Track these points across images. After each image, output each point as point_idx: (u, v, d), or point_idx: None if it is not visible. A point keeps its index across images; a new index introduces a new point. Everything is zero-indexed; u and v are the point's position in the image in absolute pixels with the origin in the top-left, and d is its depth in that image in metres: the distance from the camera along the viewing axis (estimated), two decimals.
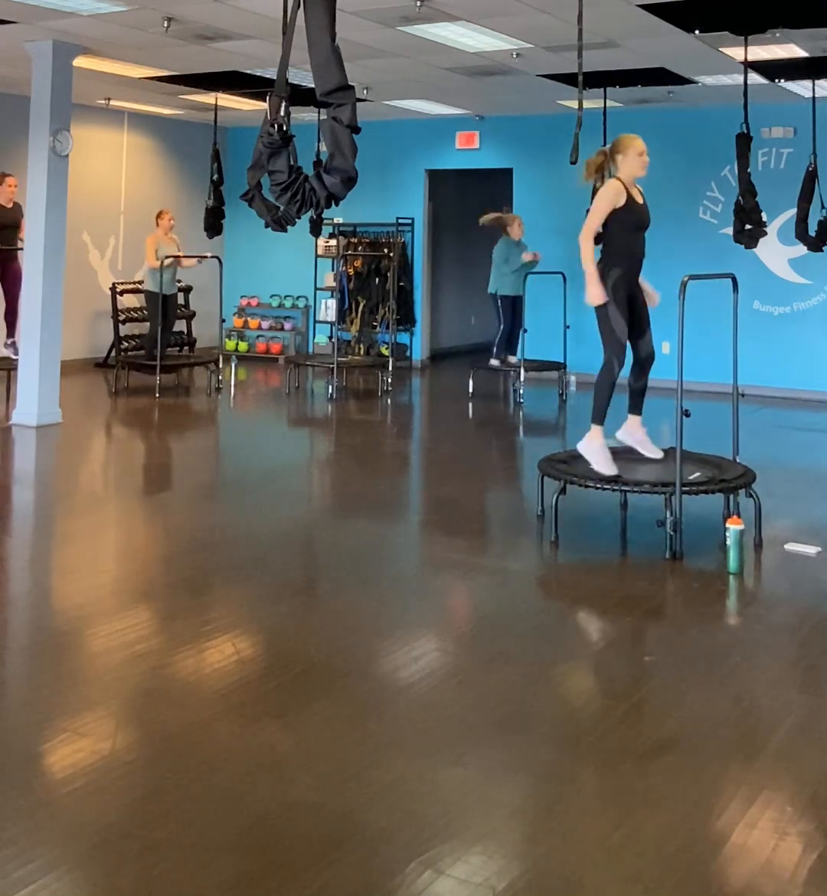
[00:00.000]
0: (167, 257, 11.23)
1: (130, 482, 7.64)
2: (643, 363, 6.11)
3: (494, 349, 11.52)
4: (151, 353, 11.25)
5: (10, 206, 10.32)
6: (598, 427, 5.98)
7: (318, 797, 3.11)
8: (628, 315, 5.92)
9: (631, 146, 5.98)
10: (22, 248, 9.69)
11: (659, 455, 6.11)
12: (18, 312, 9.73)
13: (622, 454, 6.12)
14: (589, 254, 5.89)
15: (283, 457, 8.57)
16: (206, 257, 11.82)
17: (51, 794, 3.13)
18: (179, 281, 12.20)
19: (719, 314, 9.76)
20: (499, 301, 11.39)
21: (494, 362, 11.46)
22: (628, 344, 6.00)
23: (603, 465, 5.88)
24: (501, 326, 11.43)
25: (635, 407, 6.20)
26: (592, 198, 11.01)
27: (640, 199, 6.02)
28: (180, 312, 13.15)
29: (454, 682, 3.98)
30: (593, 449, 5.95)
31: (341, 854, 2.82)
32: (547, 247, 12.45)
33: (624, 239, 5.91)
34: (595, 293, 5.87)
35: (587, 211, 11.30)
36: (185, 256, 11.64)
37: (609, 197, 5.90)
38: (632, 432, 6.20)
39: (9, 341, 10.11)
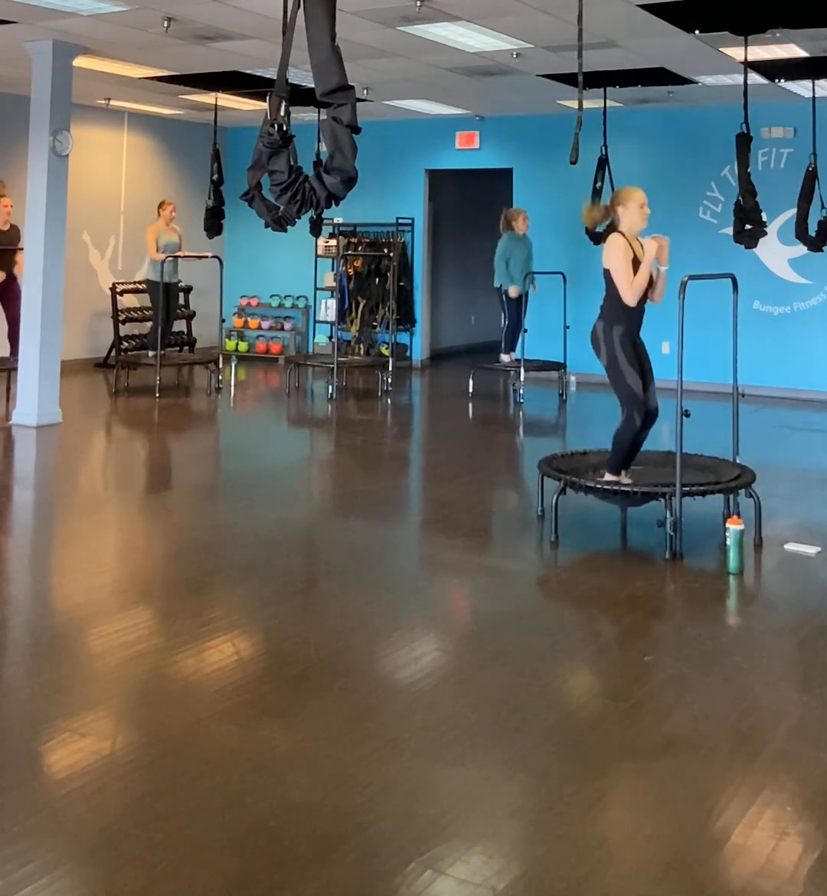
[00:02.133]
0: (169, 256, 11.25)
1: (130, 482, 7.64)
2: (647, 418, 6.00)
3: (502, 344, 11.54)
4: (153, 345, 11.28)
5: (7, 228, 10.26)
6: (612, 476, 5.98)
7: (318, 797, 3.11)
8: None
9: (631, 199, 5.91)
10: (15, 277, 9.72)
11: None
12: (20, 332, 9.75)
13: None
14: (640, 278, 5.79)
15: (283, 457, 8.57)
16: (205, 257, 11.83)
17: (51, 794, 3.13)
18: (180, 281, 12.20)
19: (719, 314, 9.77)
20: (504, 296, 11.39)
21: (505, 358, 11.47)
22: None
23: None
24: (506, 321, 11.44)
25: (628, 463, 6.09)
26: (593, 197, 11.08)
27: (642, 255, 5.93)
28: (181, 312, 13.16)
29: (454, 682, 3.98)
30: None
31: (341, 854, 2.82)
32: (547, 246, 12.46)
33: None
34: (649, 252, 5.75)
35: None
36: (185, 256, 11.65)
37: (620, 250, 5.82)
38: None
39: (12, 359, 10.11)
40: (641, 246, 5.95)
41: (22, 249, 9.74)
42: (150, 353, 11.53)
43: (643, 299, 5.93)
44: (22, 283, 9.46)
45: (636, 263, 5.85)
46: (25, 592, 5.13)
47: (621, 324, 5.87)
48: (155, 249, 11.39)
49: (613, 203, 6.02)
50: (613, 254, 5.84)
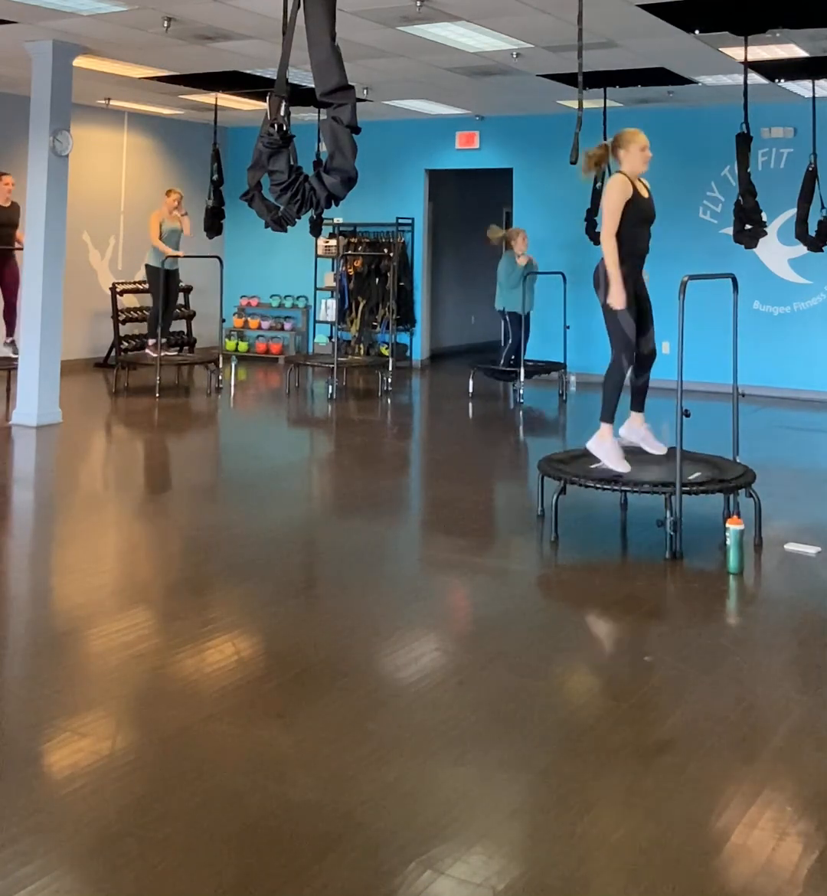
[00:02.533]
0: (168, 257, 11.26)
1: (130, 482, 7.64)
2: (644, 360, 6.11)
3: (501, 361, 11.43)
4: (153, 332, 11.29)
5: (8, 205, 10.31)
6: (607, 425, 6.01)
7: (318, 797, 3.11)
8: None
9: (633, 141, 5.95)
10: (20, 248, 9.70)
11: (663, 450, 6.11)
12: (17, 311, 9.74)
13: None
14: (614, 255, 5.81)
15: (283, 457, 8.57)
16: (200, 257, 11.85)
17: (51, 794, 3.13)
18: (184, 284, 12.19)
19: (719, 314, 9.77)
20: (507, 317, 11.31)
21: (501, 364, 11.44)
22: None
23: (615, 462, 5.90)
24: (509, 342, 11.34)
25: (637, 404, 6.22)
26: (593, 197, 11.10)
27: (645, 193, 6.00)
28: (181, 312, 13.15)
29: (454, 682, 3.98)
30: (604, 447, 5.97)
31: (341, 854, 2.82)
32: (547, 247, 12.47)
33: (629, 234, 5.87)
34: (619, 297, 5.81)
35: (588, 211, 11.29)
36: (186, 256, 11.66)
37: (618, 192, 5.86)
38: (635, 429, 6.21)
39: (8, 340, 10.12)
40: (645, 186, 6.00)
41: (20, 219, 9.76)
42: (151, 342, 11.53)
43: (647, 235, 5.96)
44: (22, 261, 9.44)
45: (638, 200, 5.87)
46: (25, 592, 5.13)
47: (624, 264, 5.87)
48: (158, 236, 11.39)
49: (614, 145, 6.05)
50: (611, 192, 5.89)
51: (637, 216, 5.90)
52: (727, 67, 9.51)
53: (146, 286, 12.20)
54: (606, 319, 5.96)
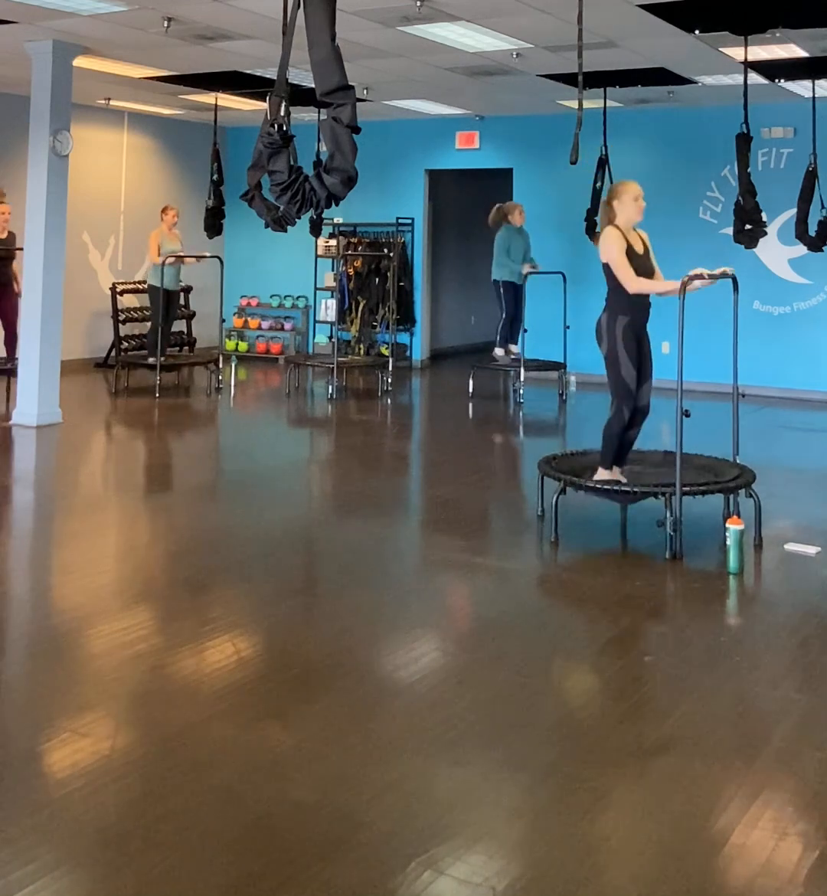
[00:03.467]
0: (170, 256, 11.24)
1: (130, 482, 7.64)
2: (637, 414, 6.00)
3: (497, 338, 11.48)
4: (152, 350, 11.28)
5: (5, 235, 10.25)
6: (605, 472, 5.99)
7: (318, 797, 3.11)
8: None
9: (626, 191, 5.90)
10: (17, 291, 9.73)
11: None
12: (17, 338, 9.80)
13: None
14: (650, 283, 5.81)
15: (283, 457, 8.57)
16: (205, 257, 11.83)
17: (51, 794, 3.13)
18: (182, 283, 12.16)
19: (719, 314, 9.78)
20: (501, 288, 11.34)
21: (499, 352, 11.42)
22: None
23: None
24: (503, 314, 11.39)
25: (620, 459, 6.09)
26: (592, 197, 11.08)
27: (640, 248, 5.92)
28: (181, 312, 13.14)
29: (454, 682, 3.98)
30: (602, 476, 5.98)
31: (341, 854, 2.82)
32: (547, 246, 12.46)
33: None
34: (685, 285, 5.67)
35: (588, 211, 11.24)
36: (187, 256, 11.65)
37: (615, 242, 5.81)
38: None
39: (8, 366, 10.10)
40: (639, 237, 5.97)
41: (20, 250, 9.75)
42: (150, 360, 11.52)
43: (648, 298, 5.94)
44: (21, 288, 9.47)
45: (632, 253, 5.83)
46: (25, 592, 5.13)
47: (626, 315, 5.86)
48: (156, 253, 11.36)
49: (608, 198, 6.02)
50: (608, 244, 5.85)
51: (635, 271, 5.84)
52: (727, 67, 9.51)
53: (145, 286, 12.18)
54: (608, 370, 5.93)
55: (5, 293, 10.31)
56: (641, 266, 5.88)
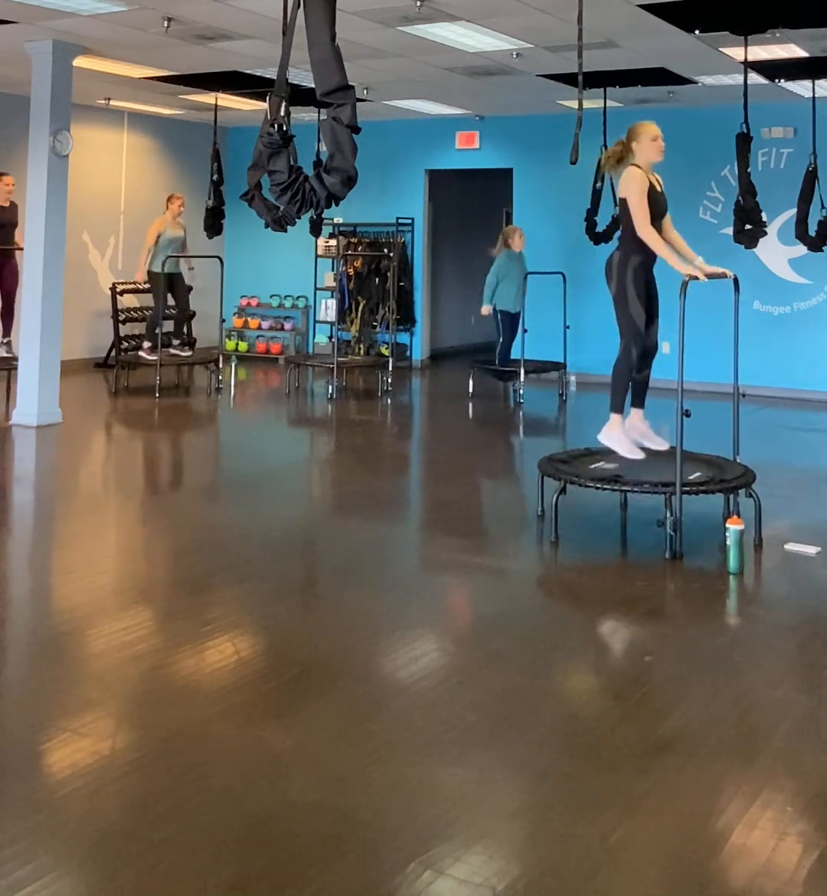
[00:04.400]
0: (171, 243, 11.28)
1: (130, 482, 7.64)
2: (646, 354, 6.11)
3: (497, 359, 11.44)
4: (151, 335, 11.30)
5: (7, 205, 10.31)
6: (617, 416, 6.04)
7: (318, 797, 3.11)
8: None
9: (644, 132, 5.96)
10: (20, 248, 9.70)
11: (665, 446, 6.09)
12: (14, 312, 9.74)
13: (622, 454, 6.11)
14: (658, 240, 5.83)
15: (283, 457, 8.57)
16: (200, 257, 11.85)
17: (51, 794, 3.13)
18: (192, 268, 12.07)
19: (720, 314, 9.78)
20: (498, 315, 11.28)
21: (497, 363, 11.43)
22: None
23: (627, 450, 5.94)
24: (501, 339, 11.33)
25: (638, 400, 6.21)
26: (592, 197, 11.08)
27: (658, 187, 6.01)
28: (187, 314, 13.13)
29: (454, 682, 3.98)
30: (615, 437, 6.01)
31: (341, 854, 2.82)
32: (547, 247, 12.47)
33: None
34: (686, 268, 5.79)
35: (588, 211, 11.24)
36: (186, 256, 11.65)
37: (638, 183, 5.86)
38: (635, 426, 6.19)
39: (3, 340, 10.11)
40: (657, 179, 6.02)
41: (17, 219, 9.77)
42: (146, 345, 11.54)
43: (659, 229, 5.96)
44: (22, 261, 9.44)
45: (653, 192, 5.88)
46: (25, 592, 5.13)
47: (639, 255, 5.90)
48: (153, 242, 11.36)
49: (627, 139, 6.06)
50: (631, 184, 5.89)
51: (652, 210, 5.89)
52: (727, 67, 9.51)
53: (147, 286, 12.18)
54: (617, 310, 5.98)
55: (7, 263, 10.29)
56: (660, 205, 5.97)
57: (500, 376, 11.45)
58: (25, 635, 4.47)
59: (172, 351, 11.63)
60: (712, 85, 10.51)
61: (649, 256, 5.96)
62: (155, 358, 11.10)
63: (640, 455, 5.95)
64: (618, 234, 6.28)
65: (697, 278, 5.79)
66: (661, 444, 6.14)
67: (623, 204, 5.96)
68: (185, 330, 13.65)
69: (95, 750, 3.39)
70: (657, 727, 3.64)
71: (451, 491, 7.23)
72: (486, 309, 11.23)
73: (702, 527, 5.97)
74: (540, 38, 8.51)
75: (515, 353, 11.24)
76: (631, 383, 6.17)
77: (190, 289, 13.46)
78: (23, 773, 3.24)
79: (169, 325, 11.92)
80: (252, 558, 5.55)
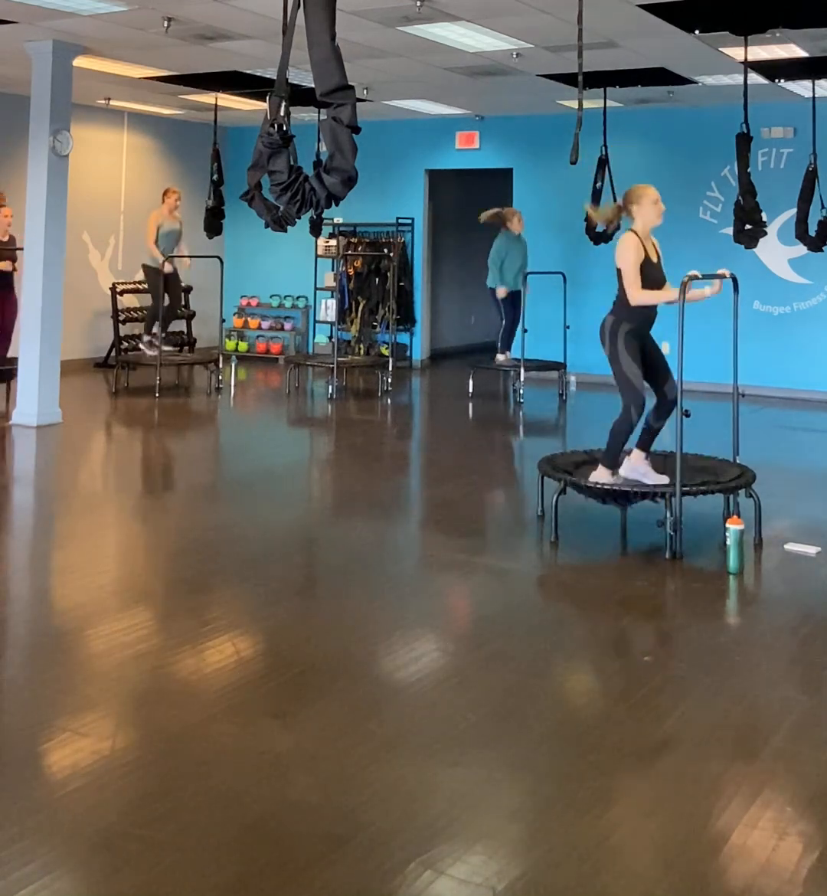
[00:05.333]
0: (170, 258, 11.26)
1: (130, 482, 7.64)
2: (667, 406, 5.97)
3: (499, 344, 11.51)
4: (150, 331, 11.30)
5: (6, 239, 10.24)
6: (605, 470, 5.98)
7: (318, 797, 3.11)
8: (644, 365, 5.88)
9: (645, 195, 5.89)
10: (16, 275, 9.74)
11: (665, 480, 5.91)
12: (10, 346, 9.81)
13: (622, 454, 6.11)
14: (653, 294, 5.82)
15: (283, 457, 8.57)
16: (200, 257, 11.84)
17: (51, 794, 3.13)
18: (188, 267, 12.09)
19: (719, 314, 9.75)
20: (498, 295, 11.36)
21: (501, 357, 11.44)
22: (653, 391, 5.97)
23: (644, 476, 5.92)
24: (502, 321, 11.41)
25: (644, 444, 6.05)
26: (593, 197, 11.08)
27: (654, 257, 5.93)
28: (182, 312, 13.13)
29: (454, 682, 3.98)
30: (602, 476, 5.96)
31: (341, 854, 2.82)
32: (547, 247, 12.47)
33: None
34: (696, 293, 5.80)
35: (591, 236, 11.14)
36: (185, 256, 11.66)
37: (633, 253, 5.80)
38: (635, 467, 6.02)
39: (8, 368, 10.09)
40: (654, 245, 5.96)
41: (20, 250, 9.74)
42: (146, 338, 11.54)
43: (655, 312, 5.96)
44: (20, 292, 9.47)
45: (647, 264, 5.84)
46: (25, 592, 5.13)
47: (631, 322, 5.86)
48: (154, 239, 11.35)
49: (625, 201, 5.99)
50: (625, 253, 5.83)
51: (647, 282, 5.83)
52: (727, 67, 9.51)
53: (145, 286, 12.18)
54: (614, 373, 5.93)
55: (6, 295, 10.30)
56: (655, 276, 5.89)
57: (504, 362, 11.43)
58: (25, 635, 4.48)
59: (163, 347, 11.55)
60: (712, 85, 10.51)
61: (643, 324, 5.91)
62: (155, 353, 11.10)
63: (662, 479, 5.86)
64: (615, 296, 6.16)
65: (697, 277, 5.77)
66: (660, 479, 5.97)
67: (618, 273, 5.86)
68: (184, 329, 13.69)
69: (95, 750, 3.39)
70: (657, 727, 3.64)
71: (451, 491, 7.23)
72: (502, 291, 11.26)
73: (702, 527, 5.97)
74: (540, 38, 8.51)
75: (515, 353, 11.25)
76: (646, 429, 6.04)
77: (189, 289, 13.50)
78: (23, 773, 3.24)
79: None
80: (252, 558, 5.55)
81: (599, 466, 6.02)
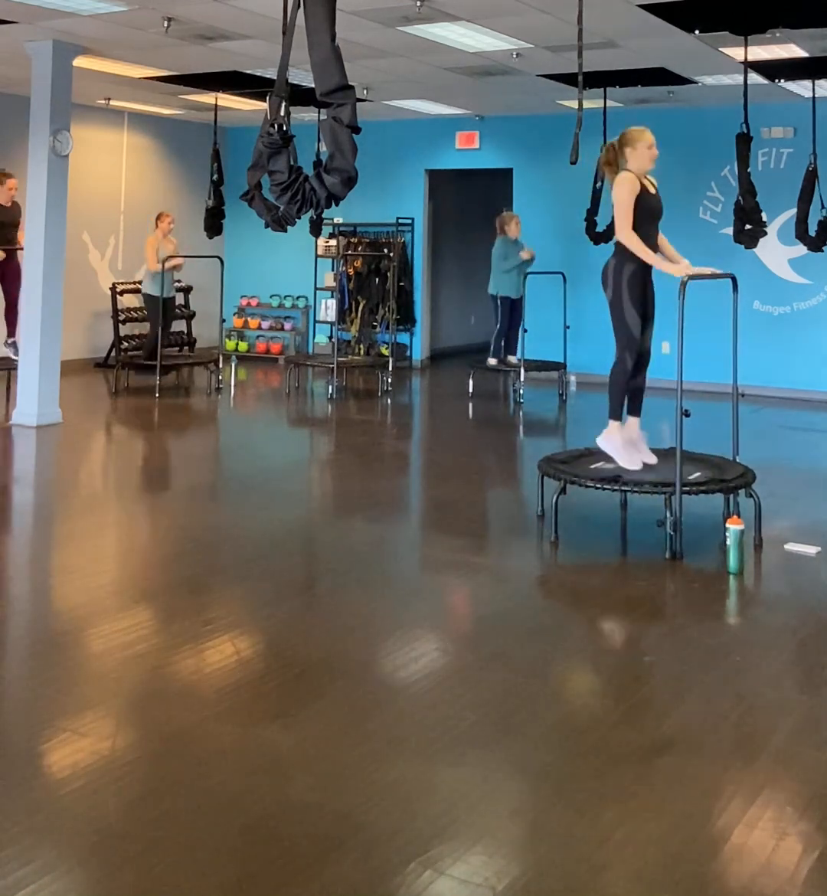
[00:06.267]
0: (169, 258, 11.22)
1: (130, 482, 7.64)
2: (640, 360, 6.05)
3: (491, 348, 11.51)
4: (151, 356, 11.26)
5: (10, 205, 10.32)
6: (615, 422, 6.00)
7: (318, 797, 3.11)
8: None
9: (640, 139, 5.91)
10: (21, 248, 9.70)
11: (653, 460, 6.03)
12: (19, 311, 9.74)
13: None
14: (638, 243, 5.79)
15: (283, 457, 8.57)
16: (200, 257, 11.82)
17: (51, 794, 3.13)
18: (178, 281, 12.16)
19: (719, 314, 9.75)
20: (498, 302, 11.38)
21: (492, 361, 11.45)
22: None
23: (626, 459, 5.90)
24: (498, 326, 11.42)
25: (634, 408, 6.14)
26: (592, 197, 11.10)
27: (652, 190, 5.98)
28: (179, 312, 13.13)
29: (454, 682, 3.98)
30: (613, 443, 5.97)
31: (341, 854, 2.82)
32: (547, 247, 12.46)
33: (639, 232, 5.83)
34: (676, 269, 5.79)
35: (588, 210, 11.27)
36: (182, 256, 11.64)
37: (628, 188, 5.82)
38: (629, 436, 6.10)
39: (10, 340, 10.11)
40: (652, 183, 5.99)
41: (22, 219, 9.74)
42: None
43: (656, 233, 5.95)
44: (23, 260, 9.44)
45: (645, 195, 5.85)
46: (25, 592, 5.13)
47: (634, 262, 5.86)
48: (155, 261, 11.33)
49: (620, 143, 5.99)
50: (619, 189, 5.85)
51: (646, 213, 5.86)
52: (727, 67, 9.51)
53: (144, 300, 12.15)
54: (613, 317, 5.94)
55: (9, 262, 10.29)
56: (653, 206, 5.93)
57: (495, 369, 11.44)
58: (25, 635, 4.48)
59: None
60: (712, 85, 10.51)
61: (646, 263, 5.93)
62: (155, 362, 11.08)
63: (638, 465, 5.89)
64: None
65: (697, 277, 5.77)
66: (651, 458, 6.05)
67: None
68: (184, 328, 13.69)
69: (95, 750, 3.39)
70: (657, 727, 3.64)
71: (450, 491, 7.23)
72: (525, 252, 11.24)
73: (702, 527, 5.97)
74: (540, 38, 8.51)
75: (517, 355, 11.25)
76: (628, 391, 6.12)
77: (190, 289, 13.51)
78: (23, 773, 3.24)
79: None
80: (252, 558, 5.55)
81: (609, 423, 6.01)
